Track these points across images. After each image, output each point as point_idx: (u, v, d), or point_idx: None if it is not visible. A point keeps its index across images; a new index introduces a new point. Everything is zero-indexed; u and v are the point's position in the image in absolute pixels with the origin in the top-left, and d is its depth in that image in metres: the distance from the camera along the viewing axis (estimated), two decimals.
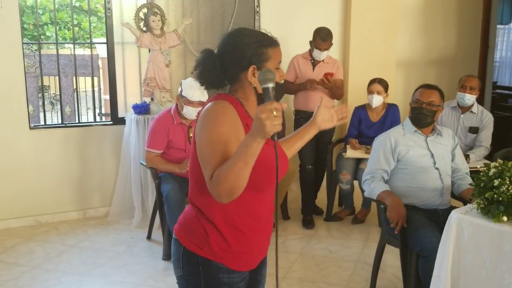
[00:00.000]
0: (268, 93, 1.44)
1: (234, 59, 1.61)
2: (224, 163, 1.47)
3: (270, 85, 1.44)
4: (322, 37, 4.19)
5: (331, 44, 4.26)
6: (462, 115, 4.11)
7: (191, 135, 3.65)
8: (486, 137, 4.05)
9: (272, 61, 1.63)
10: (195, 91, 3.50)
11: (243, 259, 1.70)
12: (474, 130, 4.06)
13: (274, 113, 1.36)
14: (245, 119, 1.62)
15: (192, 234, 1.67)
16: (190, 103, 3.56)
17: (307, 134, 1.91)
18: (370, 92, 4.23)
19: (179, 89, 3.62)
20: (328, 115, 1.86)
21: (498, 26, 7.05)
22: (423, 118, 2.91)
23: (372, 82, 4.25)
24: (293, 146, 1.91)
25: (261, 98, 1.56)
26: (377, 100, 4.21)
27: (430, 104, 2.90)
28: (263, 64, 1.61)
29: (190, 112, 3.58)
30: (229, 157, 1.48)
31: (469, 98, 4.05)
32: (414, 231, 2.69)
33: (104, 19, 4.47)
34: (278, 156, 1.45)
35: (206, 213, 1.64)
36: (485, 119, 4.09)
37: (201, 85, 1.68)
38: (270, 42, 1.65)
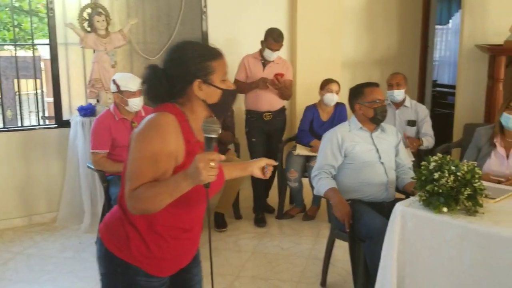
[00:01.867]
0: (210, 143, 1.49)
1: (179, 74, 1.62)
2: (150, 184, 1.50)
3: (213, 135, 1.49)
4: (274, 38, 4.23)
5: (282, 45, 4.32)
6: (397, 111, 4.30)
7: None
8: (428, 127, 4.27)
9: (217, 74, 1.64)
10: (133, 81, 3.56)
11: (163, 265, 1.71)
12: (411, 123, 4.26)
13: (212, 164, 1.41)
14: (187, 134, 1.61)
15: (113, 236, 1.68)
16: (132, 94, 3.57)
17: (238, 171, 1.99)
18: (328, 90, 4.32)
19: (114, 87, 3.60)
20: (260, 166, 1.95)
21: (437, 26, 7.33)
22: (385, 115, 3.06)
23: (330, 81, 4.34)
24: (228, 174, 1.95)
25: (214, 109, 1.64)
26: (334, 99, 4.33)
27: (384, 100, 3.06)
28: (208, 77, 1.62)
29: (136, 103, 3.59)
30: (157, 175, 1.52)
31: (398, 94, 4.25)
32: (359, 217, 2.81)
33: (45, 19, 4.33)
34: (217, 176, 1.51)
35: (131, 217, 1.64)
36: (420, 111, 4.30)
37: (148, 100, 1.69)
38: (214, 55, 1.66)
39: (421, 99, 6.22)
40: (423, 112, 4.30)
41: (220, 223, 4.20)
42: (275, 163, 1.95)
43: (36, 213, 4.39)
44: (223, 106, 1.68)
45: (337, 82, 4.38)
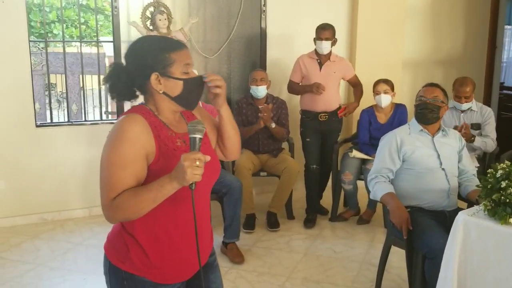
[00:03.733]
0: (195, 143, 1.46)
1: (137, 68, 1.58)
2: (131, 192, 1.48)
3: (198, 135, 1.46)
4: (321, 26, 4.20)
5: (335, 37, 4.24)
6: (462, 114, 4.09)
7: None
8: (490, 130, 4.03)
9: (176, 65, 1.57)
10: None
11: (167, 272, 1.67)
12: (476, 126, 4.04)
13: (197, 163, 1.39)
14: (157, 129, 1.57)
15: (115, 249, 1.67)
16: None
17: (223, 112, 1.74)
18: (377, 92, 4.20)
19: None
20: None
21: (506, 26, 6.99)
22: (428, 113, 2.89)
23: (377, 83, 4.22)
24: (225, 131, 1.78)
25: (179, 101, 1.59)
26: (386, 100, 4.18)
27: (434, 99, 2.89)
28: (167, 69, 1.56)
29: None
30: (131, 180, 1.50)
31: (466, 106, 4.02)
32: (421, 233, 2.67)
33: (110, 17, 4.47)
34: (210, 164, 1.47)
35: (127, 226, 1.63)
36: (486, 113, 4.07)
37: (112, 98, 1.65)
38: (173, 46, 1.59)
39: (487, 102, 5.95)
40: (488, 115, 4.08)
41: (272, 223, 4.19)
42: None
43: (97, 205, 4.52)
44: (188, 97, 1.61)
45: (386, 82, 4.20)
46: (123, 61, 1.63)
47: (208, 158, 1.44)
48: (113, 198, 1.51)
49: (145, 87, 1.61)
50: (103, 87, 5.02)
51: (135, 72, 1.59)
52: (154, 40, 1.64)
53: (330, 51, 4.29)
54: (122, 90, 1.62)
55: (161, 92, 1.58)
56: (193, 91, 1.63)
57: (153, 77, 1.57)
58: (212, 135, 1.79)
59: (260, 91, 4.17)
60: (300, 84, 4.38)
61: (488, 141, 3.94)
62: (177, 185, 1.44)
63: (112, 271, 1.68)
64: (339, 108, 4.40)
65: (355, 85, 4.49)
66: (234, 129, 1.80)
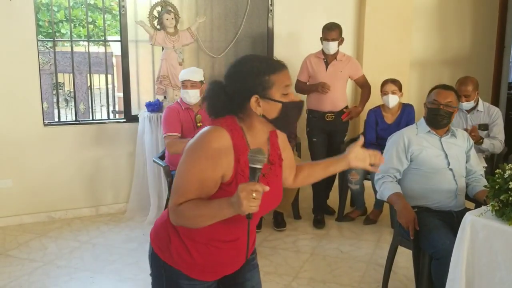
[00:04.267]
0: (254, 173, 1.44)
1: (237, 90, 1.59)
2: (194, 204, 1.51)
3: (258, 166, 1.43)
4: (327, 27, 4.19)
5: (341, 37, 4.23)
6: (468, 115, 4.06)
7: (199, 124, 3.72)
8: (498, 131, 4.00)
9: (276, 88, 1.57)
10: (184, 72, 3.80)
11: (205, 271, 1.69)
12: (484, 127, 4.01)
13: (254, 194, 1.38)
14: (239, 152, 1.57)
15: (158, 237, 1.71)
16: (183, 85, 3.78)
17: (333, 166, 1.88)
18: (384, 93, 4.19)
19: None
20: (362, 155, 1.82)
21: None
22: (441, 119, 2.87)
23: (385, 82, 4.20)
24: (318, 172, 1.90)
25: (276, 123, 1.61)
26: (393, 100, 4.17)
27: (447, 105, 2.86)
28: (267, 92, 1.57)
29: (185, 95, 3.77)
30: (202, 194, 1.53)
31: (466, 106, 3.99)
32: (428, 233, 2.66)
33: (118, 17, 4.49)
34: (274, 189, 1.53)
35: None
36: (493, 114, 4.03)
37: (209, 115, 1.66)
38: (274, 68, 1.59)
39: (495, 102, 5.91)
40: (496, 115, 4.05)
41: (279, 222, 4.19)
42: (362, 142, 1.83)
43: (103, 204, 4.57)
44: (285, 120, 1.61)
45: (394, 82, 4.18)
46: (221, 80, 1.64)
47: (266, 188, 1.41)
48: (180, 203, 1.53)
49: (243, 107, 1.60)
50: (110, 86, 5.04)
51: (234, 93, 1.59)
52: (256, 61, 1.61)
53: (337, 51, 4.28)
54: (219, 109, 1.63)
55: (260, 115, 1.59)
56: (291, 115, 1.63)
57: (253, 99, 1.57)
58: (287, 166, 1.82)
59: None
60: (307, 83, 4.38)
61: (496, 143, 3.92)
62: (233, 212, 1.45)
63: (153, 258, 1.73)
64: (343, 111, 4.39)
65: (363, 86, 4.46)
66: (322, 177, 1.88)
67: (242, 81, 1.58)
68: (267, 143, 1.71)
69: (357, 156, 1.81)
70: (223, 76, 1.64)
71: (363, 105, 4.43)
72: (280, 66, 1.61)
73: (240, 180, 1.56)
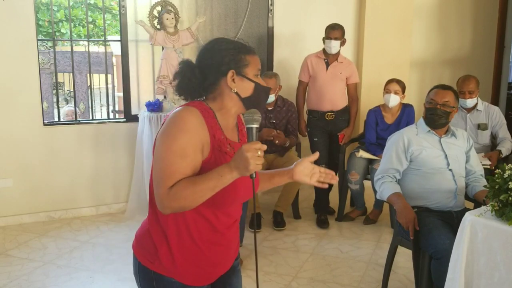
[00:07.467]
0: (252, 133, 1.49)
1: (212, 65, 1.59)
2: (188, 181, 1.47)
3: (255, 125, 1.49)
4: (331, 26, 4.20)
5: (344, 38, 4.24)
6: (468, 114, 4.06)
7: None
8: (504, 131, 4.03)
9: (251, 67, 1.61)
10: None
11: (196, 273, 1.66)
12: (483, 126, 4.02)
13: (259, 153, 1.41)
14: (213, 130, 1.57)
15: (144, 249, 1.66)
16: None
17: (278, 178, 1.81)
18: (387, 91, 4.18)
19: None
20: (308, 170, 1.75)
21: None
22: (437, 119, 2.88)
23: (390, 81, 4.19)
24: (263, 183, 1.84)
25: (246, 103, 1.61)
26: (394, 100, 4.16)
27: (444, 105, 2.86)
28: (242, 69, 1.59)
29: None
30: (188, 170, 1.49)
31: (470, 103, 4.00)
32: (427, 233, 2.66)
33: (118, 16, 4.49)
34: (247, 178, 1.49)
35: (162, 221, 1.62)
36: (493, 114, 4.05)
37: (179, 95, 1.66)
38: (249, 50, 1.64)
39: (495, 102, 5.91)
40: (497, 115, 4.04)
41: (279, 222, 4.19)
42: (316, 157, 1.78)
43: (103, 204, 4.57)
44: (255, 101, 1.63)
45: (399, 82, 4.17)
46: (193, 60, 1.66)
47: (265, 147, 1.44)
48: (170, 186, 1.49)
49: (216, 85, 1.61)
50: (110, 85, 5.04)
51: (210, 68, 1.60)
52: (231, 41, 1.65)
53: (339, 52, 4.28)
54: (193, 87, 1.63)
55: (234, 91, 1.60)
56: (261, 96, 1.65)
57: (230, 74, 1.58)
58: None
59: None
60: (308, 83, 4.39)
61: (508, 146, 3.97)
62: (237, 175, 1.45)
63: (141, 272, 1.67)
64: (345, 108, 4.39)
65: (352, 99, 4.42)
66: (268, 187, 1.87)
67: (219, 57, 1.59)
68: (236, 128, 1.71)
69: (303, 171, 1.74)
70: (196, 57, 1.66)
71: (353, 125, 4.45)
72: (253, 50, 1.66)
73: (218, 156, 1.55)
